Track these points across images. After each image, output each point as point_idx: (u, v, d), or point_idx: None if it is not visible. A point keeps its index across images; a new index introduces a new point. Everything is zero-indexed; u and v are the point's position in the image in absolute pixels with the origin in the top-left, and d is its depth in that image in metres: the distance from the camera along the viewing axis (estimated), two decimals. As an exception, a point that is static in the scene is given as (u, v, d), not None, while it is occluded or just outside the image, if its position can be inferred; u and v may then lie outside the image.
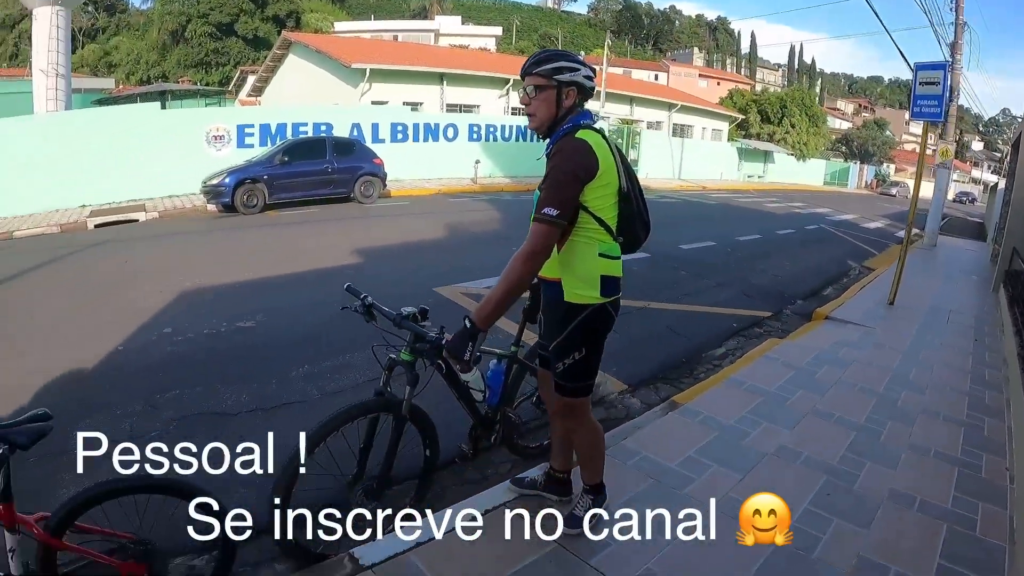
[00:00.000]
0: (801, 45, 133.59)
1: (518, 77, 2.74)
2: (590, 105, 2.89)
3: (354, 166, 15.42)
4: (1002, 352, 6.96)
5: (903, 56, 15.23)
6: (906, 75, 8.58)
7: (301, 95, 26.79)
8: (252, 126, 17.79)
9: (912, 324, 8.17)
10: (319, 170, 14.79)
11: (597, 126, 2.74)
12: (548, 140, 2.70)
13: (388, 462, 3.04)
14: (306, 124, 18.61)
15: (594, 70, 2.75)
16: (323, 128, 18.66)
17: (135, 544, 2.51)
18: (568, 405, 2.90)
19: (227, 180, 13.65)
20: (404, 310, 2.97)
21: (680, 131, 37.99)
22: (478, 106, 28.38)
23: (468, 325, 2.57)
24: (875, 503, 3.59)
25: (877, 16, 17.27)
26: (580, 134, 2.63)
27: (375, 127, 20.12)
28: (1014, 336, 6.56)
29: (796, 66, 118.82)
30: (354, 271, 8.52)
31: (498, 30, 74.23)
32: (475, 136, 22.97)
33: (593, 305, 2.70)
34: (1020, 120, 25.77)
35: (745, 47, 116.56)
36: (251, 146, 17.29)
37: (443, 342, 2.80)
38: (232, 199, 13.58)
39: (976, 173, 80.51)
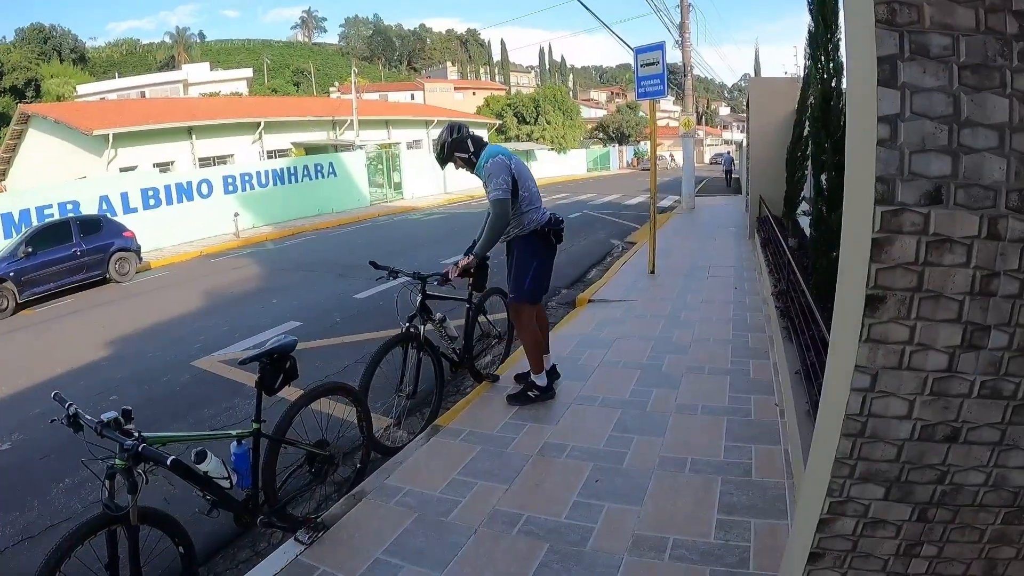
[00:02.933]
0: (550, 45, 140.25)
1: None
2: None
3: (104, 244, 14.01)
4: (762, 293, 7.47)
5: (624, 43, 16.33)
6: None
7: (48, 172, 23.80)
8: (-9, 218, 15.83)
9: (673, 288, 8.68)
10: (67, 256, 13.24)
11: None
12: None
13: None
14: (51, 206, 16.62)
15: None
16: (69, 207, 16.83)
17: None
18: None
19: (-33, 287, 11.91)
20: (104, 416, 2.69)
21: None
22: (231, 155, 26.86)
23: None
24: (645, 477, 3.62)
25: (591, 12, 18.40)
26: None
27: (124, 196, 18.48)
28: (769, 276, 7.10)
29: (547, 65, 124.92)
30: (110, 362, 7.78)
31: (248, 72, 72.10)
32: (231, 188, 21.74)
33: None
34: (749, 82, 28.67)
35: (497, 55, 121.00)
36: (-6, 241, 15.36)
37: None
38: (-24, 307, 11.85)
39: (727, 135, 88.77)
